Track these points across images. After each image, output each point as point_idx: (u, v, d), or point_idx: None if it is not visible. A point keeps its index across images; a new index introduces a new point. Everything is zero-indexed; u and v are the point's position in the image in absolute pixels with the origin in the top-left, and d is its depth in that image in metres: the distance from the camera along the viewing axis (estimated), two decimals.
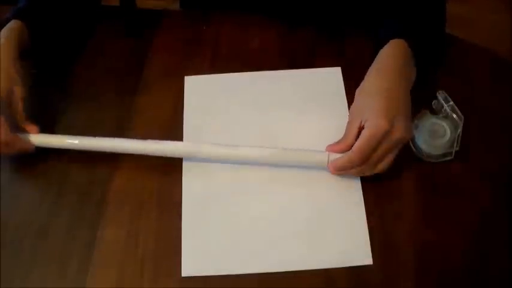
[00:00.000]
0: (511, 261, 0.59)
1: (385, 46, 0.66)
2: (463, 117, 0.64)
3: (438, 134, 0.65)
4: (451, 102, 0.66)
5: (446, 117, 0.66)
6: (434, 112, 0.67)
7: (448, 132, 0.65)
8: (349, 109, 0.68)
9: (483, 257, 0.60)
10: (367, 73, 0.65)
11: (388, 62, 0.65)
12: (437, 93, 0.67)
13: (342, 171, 0.63)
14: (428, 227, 0.62)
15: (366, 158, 0.61)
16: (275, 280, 0.59)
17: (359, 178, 0.65)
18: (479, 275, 0.59)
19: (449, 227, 0.62)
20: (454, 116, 0.65)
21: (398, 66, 0.65)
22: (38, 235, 0.62)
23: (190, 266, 0.59)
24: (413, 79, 0.66)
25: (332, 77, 0.73)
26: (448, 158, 0.65)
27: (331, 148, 0.64)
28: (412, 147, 0.67)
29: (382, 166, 0.62)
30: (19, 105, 0.66)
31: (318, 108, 0.71)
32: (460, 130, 0.64)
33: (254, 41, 0.78)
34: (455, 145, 0.65)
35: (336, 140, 0.65)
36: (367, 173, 0.63)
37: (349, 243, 0.61)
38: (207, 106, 0.72)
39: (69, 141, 0.66)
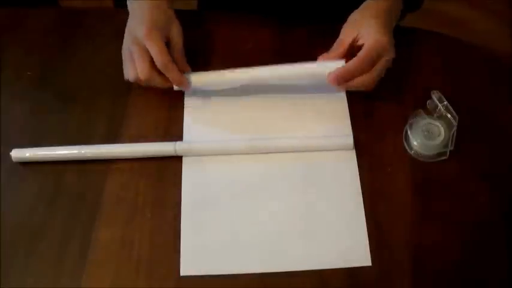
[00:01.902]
0: (508, 261, 0.60)
1: None
2: (457, 117, 0.65)
3: (433, 134, 0.66)
4: (446, 102, 0.66)
5: (441, 117, 0.66)
6: (429, 112, 0.67)
7: (443, 132, 0.65)
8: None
9: (480, 257, 0.60)
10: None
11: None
12: (432, 93, 0.67)
13: (342, 81, 0.65)
14: (424, 227, 0.62)
15: (365, 69, 0.65)
16: (273, 280, 0.59)
17: (358, 179, 0.65)
18: (477, 276, 0.60)
19: (445, 227, 0.62)
20: (449, 115, 0.65)
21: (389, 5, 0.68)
22: (33, 236, 0.62)
23: (189, 266, 0.60)
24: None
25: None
26: (443, 158, 0.66)
27: (323, 57, 0.68)
28: (407, 147, 0.67)
29: (374, 80, 0.66)
30: (179, 43, 0.70)
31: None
32: (454, 130, 0.64)
33: (249, 41, 0.78)
34: (449, 145, 0.65)
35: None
36: (363, 87, 0.66)
37: (348, 244, 0.61)
38: (207, 104, 0.72)
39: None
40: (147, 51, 0.66)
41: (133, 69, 0.67)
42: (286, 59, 0.72)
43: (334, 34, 0.70)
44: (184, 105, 0.72)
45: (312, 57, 0.69)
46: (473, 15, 1.63)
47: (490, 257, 0.61)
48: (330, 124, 0.69)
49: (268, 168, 0.66)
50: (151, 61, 0.66)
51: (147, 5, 0.69)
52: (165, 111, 0.71)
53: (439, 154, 0.66)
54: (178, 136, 0.69)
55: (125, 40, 0.70)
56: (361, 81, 0.65)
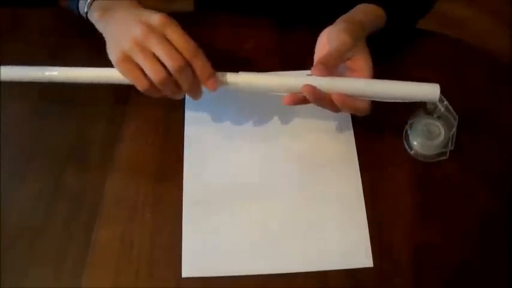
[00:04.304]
0: (508, 261, 0.60)
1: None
2: (457, 117, 0.65)
3: (433, 134, 0.66)
4: (446, 102, 0.66)
5: (441, 117, 0.66)
6: (429, 112, 0.67)
7: (443, 132, 0.65)
8: None
9: (480, 257, 0.61)
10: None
11: (355, 14, 0.66)
12: None
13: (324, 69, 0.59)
14: (425, 228, 0.62)
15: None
16: (275, 281, 0.59)
17: (360, 179, 0.65)
18: (477, 276, 0.60)
19: (446, 227, 0.62)
20: (449, 115, 0.65)
21: (363, 18, 0.65)
22: (33, 236, 0.62)
23: (190, 267, 0.60)
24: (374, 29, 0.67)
25: None
26: (443, 158, 0.66)
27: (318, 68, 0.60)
28: (407, 147, 0.67)
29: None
30: None
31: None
32: (454, 130, 0.64)
33: (249, 41, 0.78)
34: (449, 145, 0.65)
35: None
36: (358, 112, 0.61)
37: (349, 245, 0.61)
38: (208, 105, 0.72)
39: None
40: (168, 40, 0.56)
41: (155, 66, 0.56)
42: (286, 59, 0.72)
43: None
44: (185, 105, 0.72)
45: (311, 57, 0.69)
46: (473, 15, 1.63)
47: (490, 257, 0.61)
48: (330, 124, 0.70)
49: (269, 168, 0.66)
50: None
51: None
52: (165, 111, 0.71)
53: (439, 154, 0.66)
54: (178, 136, 0.69)
55: (115, 47, 0.58)
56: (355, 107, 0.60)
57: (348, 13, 0.67)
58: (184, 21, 0.72)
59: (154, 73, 0.56)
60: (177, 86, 0.59)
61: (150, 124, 0.70)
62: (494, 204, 0.64)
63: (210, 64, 0.59)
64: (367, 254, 0.60)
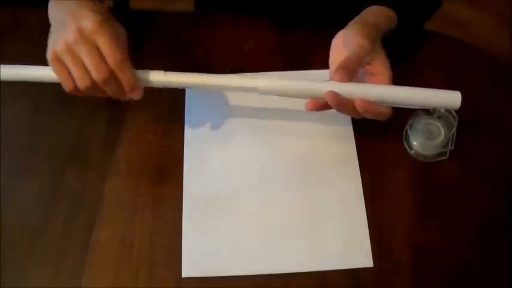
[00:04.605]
0: (508, 261, 0.60)
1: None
2: (457, 117, 0.65)
3: (433, 134, 0.66)
4: None
5: (441, 117, 0.66)
6: (429, 112, 0.67)
7: (443, 132, 0.65)
8: None
9: (481, 257, 0.61)
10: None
11: (368, 16, 0.66)
12: None
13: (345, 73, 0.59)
14: (425, 228, 0.62)
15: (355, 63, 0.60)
16: (275, 281, 0.59)
17: (360, 179, 0.65)
18: (477, 275, 0.60)
19: (446, 227, 0.62)
20: (449, 116, 0.65)
21: (375, 19, 0.65)
22: (33, 236, 0.62)
23: (191, 267, 0.60)
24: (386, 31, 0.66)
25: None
26: (443, 158, 0.66)
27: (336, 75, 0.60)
28: (407, 147, 0.67)
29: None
30: (125, 43, 0.60)
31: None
32: (454, 130, 0.64)
33: (249, 41, 0.78)
34: (449, 145, 0.65)
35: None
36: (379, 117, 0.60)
37: (349, 245, 0.61)
38: (208, 105, 0.72)
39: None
40: (97, 49, 0.57)
41: (81, 73, 0.57)
42: (287, 58, 0.72)
43: (334, 34, 0.70)
44: (185, 105, 0.72)
45: (312, 57, 0.69)
46: (474, 15, 1.63)
47: (490, 257, 0.61)
48: (330, 124, 0.70)
49: (269, 169, 0.66)
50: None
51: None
52: (165, 111, 0.71)
53: (439, 154, 0.66)
54: (178, 136, 0.69)
55: (52, 42, 0.59)
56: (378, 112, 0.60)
57: (359, 15, 0.66)
58: (185, 21, 0.72)
59: (79, 80, 0.58)
60: (104, 92, 0.60)
61: (150, 124, 0.70)
62: (494, 204, 0.64)
63: (134, 75, 0.59)
64: (367, 254, 0.60)
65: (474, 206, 0.63)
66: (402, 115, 0.68)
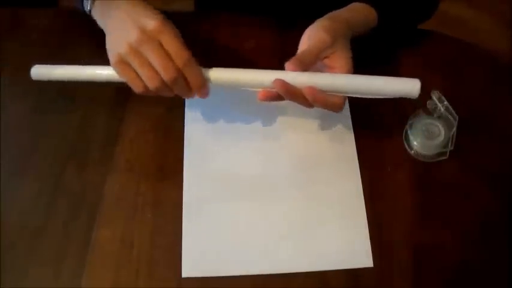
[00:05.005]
0: (508, 260, 0.60)
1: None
2: (457, 117, 0.65)
3: (433, 134, 0.66)
4: (446, 102, 0.66)
5: (441, 117, 0.66)
6: (429, 112, 0.67)
7: (443, 132, 0.65)
8: None
9: (481, 257, 0.61)
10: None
11: (341, 12, 0.66)
12: (432, 93, 0.67)
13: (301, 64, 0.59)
14: (425, 228, 0.62)
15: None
16: (275, 281, 0.59)
17: (360, 179, 0.65)
18: (477, 275, 0.60)
19: (446, 227, 0.62)
20: (449, 115, 0.65)
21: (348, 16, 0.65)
22: (33, 236, 0.62)
23: (191, 267, 0.60)
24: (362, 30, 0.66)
25: None
26: (443, 158, 0.66)
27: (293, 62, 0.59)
28: (407, 147, 0.67)
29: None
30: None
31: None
32: (454, 130, 0.64)
33: (249, 41, 0.78)
34: (449, 145, 0.65)
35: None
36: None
37: (349, 245, 0.61)
38: (208, 104, 0.72)
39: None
40: (163, 48, 0.56)
41: (150, 73, 0.56)
42: (286, 59, 0.71)
43: None
44: (185, 104, 0.72)
45: None
46: (473, 15, 1.63)
47: (490, 257, 0.61)
48: (330, 124, 0.70)
49: (269, 169, 0.66)
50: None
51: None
52: (166, 110, 0.71)
53: (439, 154, 0.66)
54: (178, 135, 0.69)
55: (113, 45, 0.59)
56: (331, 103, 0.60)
57: (334, 11, 0.66)
58: (185, 21, 0.72)
59: (148, 80, 0.57)
60: (171, 91, 0.60)
61: (150, 123, 0.70)
62: (494, 204, 0.64)
63: (202, 74, 0.59)
64: (367, 254, 0.60)
65: (474, 206, 0.63)
66: (402, 115, 0.68)
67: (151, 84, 0.57)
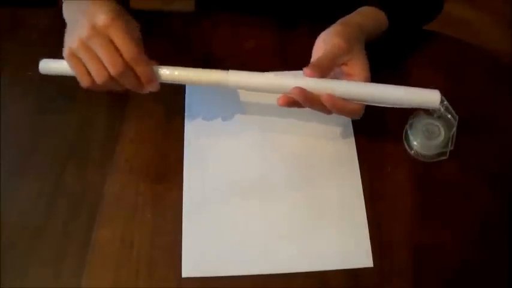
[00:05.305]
0: (508, 261, 0.60)
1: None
2: (457, 117, 0.65)
3: (433, 134, 0.66)
4: (446, 102, 0.66)
5: (441, 117, 0.66)
6: (429, 112, 0.67)
7: (443, 132, 0.65)
8: None
9: (481, 257, 0.61)
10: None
11: (353, 17, 0.66)
12: None
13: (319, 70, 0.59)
14: (425, 228, 0.62)
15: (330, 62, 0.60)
16: (275, 281, 0.59)
17: (360, 179, 0.65)
18: (477, 275, 0.60)
19: (446, 227, 0.62)
20: (449, 116, 0.65)
21: (361, 21, 0.65)
22: (33, 236, 0.62)
23: (190, 267, 0.60)
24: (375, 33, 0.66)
25: None
26: (443, 158, 0.66)
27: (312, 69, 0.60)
28: (407, 147, 0.67)
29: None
30: (139, 38, 0.61)
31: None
32: (454, 130, 0.64)
33: (249, 42, 0.78)
34: (449, 145, 0.65)
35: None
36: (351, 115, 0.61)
37: (349, 245, 0.61)
38: (208, 105, 0.72)
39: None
40: (112, 43, 0.57)
41: (98, 67, 0.57)
42: (287, 58, 0.72)
43: None
44: (185, 104, 0.72)
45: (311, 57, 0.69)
46: (474, 15, 1.63)
47: (490, 257, 0.61)
48: (330, 124, 0.70)
49: (269, 169, 0.66)
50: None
51: None
52: (166, 110, 0.71)
53: (439, 154, 0.66)
54: (178, 135, 0.69)
55: (67, 40, 0.60)
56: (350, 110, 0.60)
57: (346, 16, 0.66)
58: (185, 21, 0.72)
59: (96, 74, 0.58)
60: (122, 85, 0.60)
61: (150, 124, 0.70)
62: (494, 204, 0.64)
63: (151, 67, 0.60)
64: (367, 254, 0.60)
65: (474, 206, 0.63)
66: (402, 115, 0.68)
67: (98, 78, 0.58)
